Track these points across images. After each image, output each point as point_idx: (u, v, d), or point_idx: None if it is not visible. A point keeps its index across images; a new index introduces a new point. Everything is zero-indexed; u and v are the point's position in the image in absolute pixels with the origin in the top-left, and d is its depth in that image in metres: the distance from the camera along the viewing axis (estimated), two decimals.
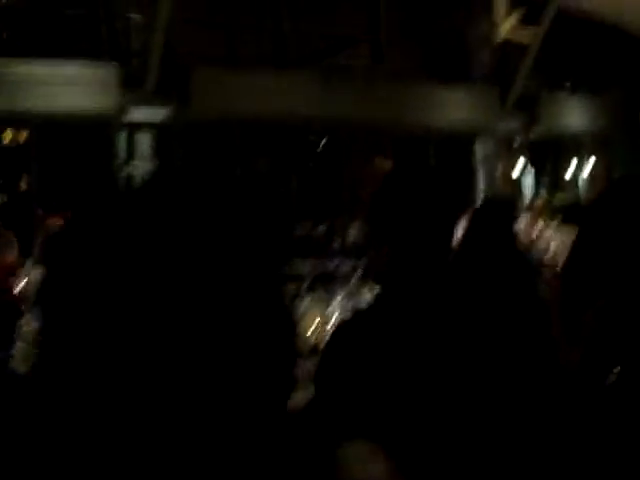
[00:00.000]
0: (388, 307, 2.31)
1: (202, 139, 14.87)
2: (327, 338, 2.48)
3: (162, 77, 13.05)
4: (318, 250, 14.52)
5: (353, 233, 16.66)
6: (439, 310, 2.27)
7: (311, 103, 14.29)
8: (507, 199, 6.51)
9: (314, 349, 4.65)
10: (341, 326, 2.60)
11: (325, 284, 8.26)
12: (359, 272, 6.06)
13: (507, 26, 13.38)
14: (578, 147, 20.64)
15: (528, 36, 14.48)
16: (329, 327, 4.87)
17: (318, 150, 14.65)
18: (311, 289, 8.11)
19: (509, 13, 13.52)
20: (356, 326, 2.36)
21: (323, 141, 14.54)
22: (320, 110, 14.38)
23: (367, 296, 5.10)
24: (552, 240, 15.65)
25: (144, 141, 15.41)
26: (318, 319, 4.78)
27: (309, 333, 4.78)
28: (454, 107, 16.52)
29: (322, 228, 16.33)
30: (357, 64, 15.12)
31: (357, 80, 14.70)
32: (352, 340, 2.28)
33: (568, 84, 20.11)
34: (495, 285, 4.42)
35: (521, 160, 18.63)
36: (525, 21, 13.77)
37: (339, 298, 5.42)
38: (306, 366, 3.53)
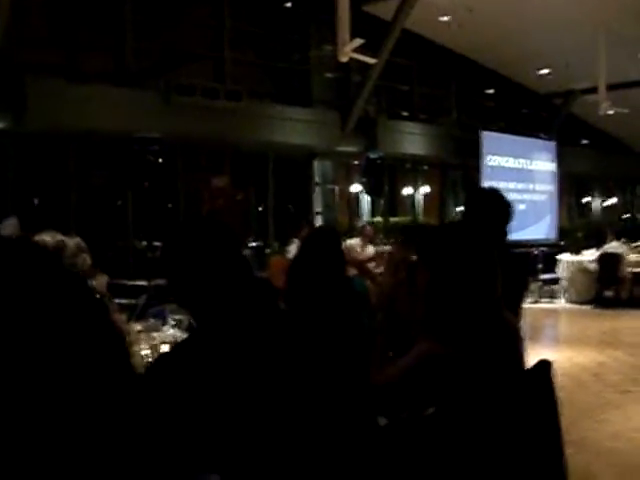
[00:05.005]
0: (206, 343, 2.31)
1: (37, 149, 14.50)
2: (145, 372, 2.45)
3: None
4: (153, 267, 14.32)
5: None
6: (259, 347, 2.28)
7: (150, 119, 14.16)
8: (331, 228, 6.63)
9: None
10: (159, 360, 2.58)
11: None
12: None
13: (348, 50, 13.59)
14: (414, 171, 21.20)
15: (369, 61, 14.81)
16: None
17: (155, 166, 14.45)
18: (147, 306, 8.00)
19: (351, 38, 13.74)
20: (172, 362, 2.34)
21: (160, 158, 14.35)
22: (159, 126, 14.26)
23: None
24: (383, 260, 15.97)
25: None
26: (149, 347, 4.72)
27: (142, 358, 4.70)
28: (295, 127, 16.70)
29: (158, 245, 16.17)
30: (199, 81, 15.04)
31: (197, 97, 14.63)
32: (168, 377, 2.26)
33: (406, 112, 20.67)
34: (320, 316, 4.51)
35: (358, 182, 18.97)
36: (367, 47, 14.05)
37: (170, 324, 5.36)
38: None
